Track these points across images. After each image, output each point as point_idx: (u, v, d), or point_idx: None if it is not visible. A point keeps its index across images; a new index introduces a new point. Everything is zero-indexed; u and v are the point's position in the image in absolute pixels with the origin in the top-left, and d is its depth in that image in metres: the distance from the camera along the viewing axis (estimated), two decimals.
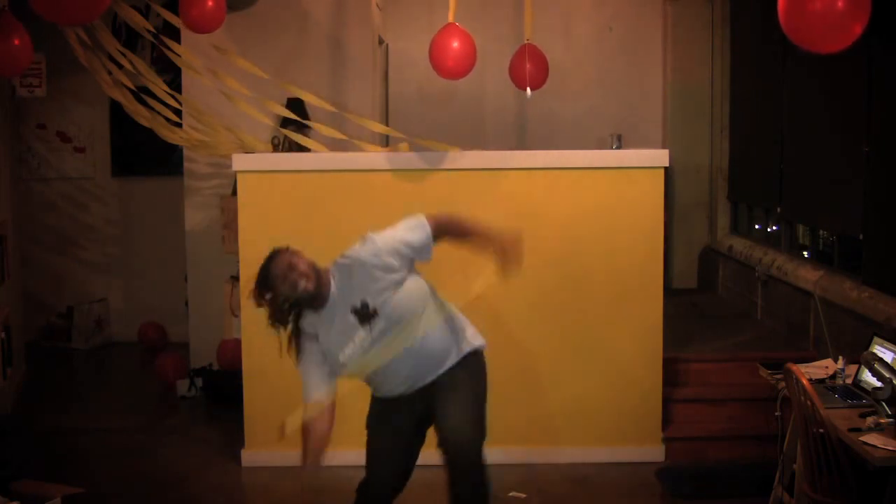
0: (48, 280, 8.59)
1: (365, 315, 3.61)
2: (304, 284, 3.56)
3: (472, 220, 3.77)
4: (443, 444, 3.65)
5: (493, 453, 5.40)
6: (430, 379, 3.70)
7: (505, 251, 3.61)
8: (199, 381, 6.85)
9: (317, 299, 3.62)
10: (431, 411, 3.72)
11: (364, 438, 3.87)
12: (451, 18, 5.23)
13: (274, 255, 3.65)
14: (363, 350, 3.62)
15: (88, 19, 4.16)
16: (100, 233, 8.74)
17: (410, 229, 3.72)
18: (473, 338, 3.85)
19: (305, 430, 3.61)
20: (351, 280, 3.64)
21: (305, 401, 3.65)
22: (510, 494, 4.99)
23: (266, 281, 3.62)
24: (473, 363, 3.81)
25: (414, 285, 3.72)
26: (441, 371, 3.71)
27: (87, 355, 8.33)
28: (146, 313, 8.47)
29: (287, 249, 3.66)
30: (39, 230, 8.58)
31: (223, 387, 6.49)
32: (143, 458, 5.65)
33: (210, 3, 5.40)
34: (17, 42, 4.50)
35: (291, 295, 3.58)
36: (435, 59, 5.21)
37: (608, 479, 5.23)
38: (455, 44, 5.16)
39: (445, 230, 3.76)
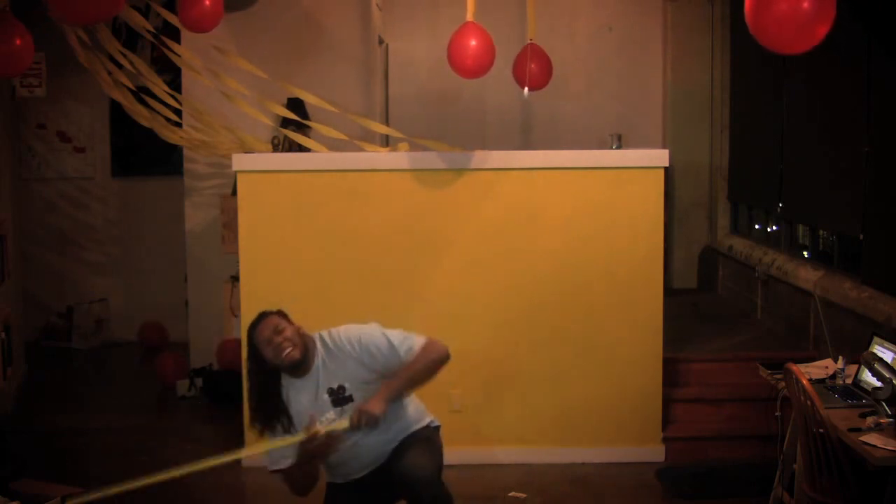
0: (48, 280, 8.59)
1: (339, 399, 3.60)
2: (290, 352, 3.54)
3: (421, 367, 3.63)
4: (403, 485, 3.58)
5: (493, 453, 5.43)
6: (388, 453, 3.69)
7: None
8: (198, 381, 6.85)
9: (300, 368, 3.60)
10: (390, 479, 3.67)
11: None
12: (469, 17, 5.21)
13: (260, 318, 3.63)
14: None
15: (104, 18, 4.18)
16: (100, 233, 8.75)
17: (396, 343, 3.63)
18: (427, 415, 3.86)
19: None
20: (334, 361, 3.62)
21: (271, 467, 3.65)
22: (510, 494, 4.99)
23: (251, 344, 3.60)
24: (427, 433, 3.79)
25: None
26: (397, 443, 3.70)
27: (87, 355, 8.34)
28: (146, 313, 8.47)
29: (277, 312, 3.64)
30: (39, 230, 8.59)
31: (223, 387, 6.49)
32: (143, 458, 5.65)
33: (208, 3, 5.38)
34: (18, 42, 4.50)
35: (274, 361, 3.56)
36: (454, 59, 5.18)
37: (608, 479, 5.23)
38: (473, 42, 5.14)
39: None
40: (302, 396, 3.63)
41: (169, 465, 5.47)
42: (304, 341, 3.60)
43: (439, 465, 3.71)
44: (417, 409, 3.84)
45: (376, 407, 3.48)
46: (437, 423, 3.88)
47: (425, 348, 3.63)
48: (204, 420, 6.45)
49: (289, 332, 3.56)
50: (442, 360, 3.67)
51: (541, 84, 6.39)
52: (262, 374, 3.63)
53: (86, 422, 6.34)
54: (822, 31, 3.20)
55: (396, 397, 3.60)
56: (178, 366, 7.04)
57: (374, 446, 3.68)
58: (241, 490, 5.26)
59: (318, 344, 3.67)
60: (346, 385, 3.61)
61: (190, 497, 5.08)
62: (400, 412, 3.73)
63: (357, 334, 3.65)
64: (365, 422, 3.46)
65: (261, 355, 3.60)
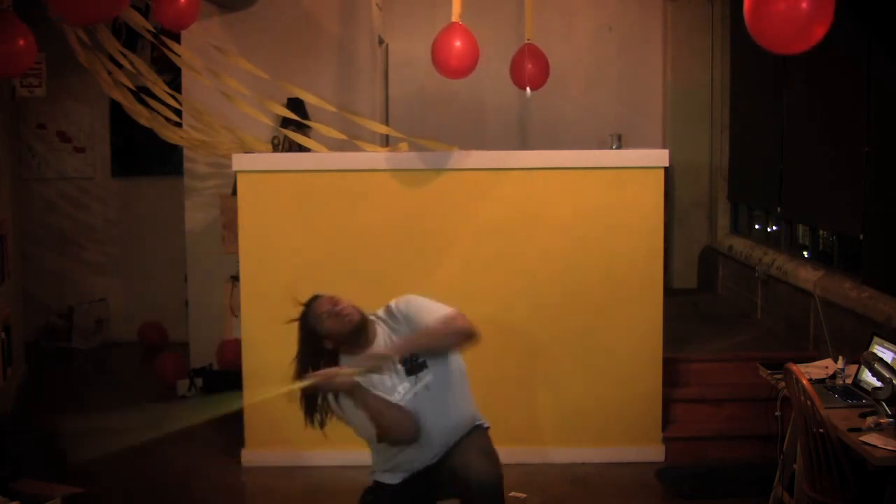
0: (48, 280, 8.59)
1: (414, 366, 3.61)
2: (351, 315, 3.58)
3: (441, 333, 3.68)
4: (468, 490, 3.50)
5: None
6: (449, 447, 3.65)
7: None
8: (198, 381, 6.84)
9: (360, 339, 3.62)
10: (441, 483, 3.64)
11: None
12: (454, 18, 5.21)
13: (314, 298, 3.69)
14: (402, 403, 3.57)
15: (105, 18, 4.17)
16: (100, 233, 8.74)
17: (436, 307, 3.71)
18: (481, 416, 3.86)
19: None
20: (397, 332, 3.66)
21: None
22: (510, 494, 4.99)
23: (308, 324, 3.63)
24: (486, 435, 3.79)
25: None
26: (458, 438, 3.68)
27: (87, 355, 8.33)
28: (146, 313, 8.47)
29: (325, 294, 3.69)
30: (39, 230, 8.58)
31: (223, 387, 6.48)
32: (143, 458, 5.64)
33: (182, 1, 5.34)
34: (22, 43, 4.50)
35: (339, 330, 3.57)
36: (438, 59, 5.20)
37: (608, 479, 5.23)
38: (458, 43, 5.15)
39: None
40: (370, 377, 3.60)
41: (169, 465, 5.53)
42: (360, 310, 3.65)
43: (502, 475, 3.63)
44: (474, 404, 3.83)
45: (389, 349, 3.55)
46: (488, 424, 3.86)
47: (453, 317, 3.67)
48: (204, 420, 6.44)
49: (346, 303, 3.62)
50: (463, 333, 3.67)
51: (538, 84, 6.39)
52: (317, 357, 3.62)
53: (86, 422, 6.32)
54: (820, 31, 3.21)
55: (412, 350, 3.60)
56: (178, 366, 7.04)
57: (441, 431, 3.61)
58: (241, 490, 5.27)
59: (377, 319, 3.72)
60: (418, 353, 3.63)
61: (190, 497, 5.09)
62: (460, 396, 3.71)
63: (406, 300, 3.73)
64: (375, 364, 3.50)
65: (318, 335, 3.61)
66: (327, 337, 3.62)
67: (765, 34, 3.29)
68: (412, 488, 3.69)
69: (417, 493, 3.69)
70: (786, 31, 3.24)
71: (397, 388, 3.59)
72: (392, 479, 3.71)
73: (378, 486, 3.76)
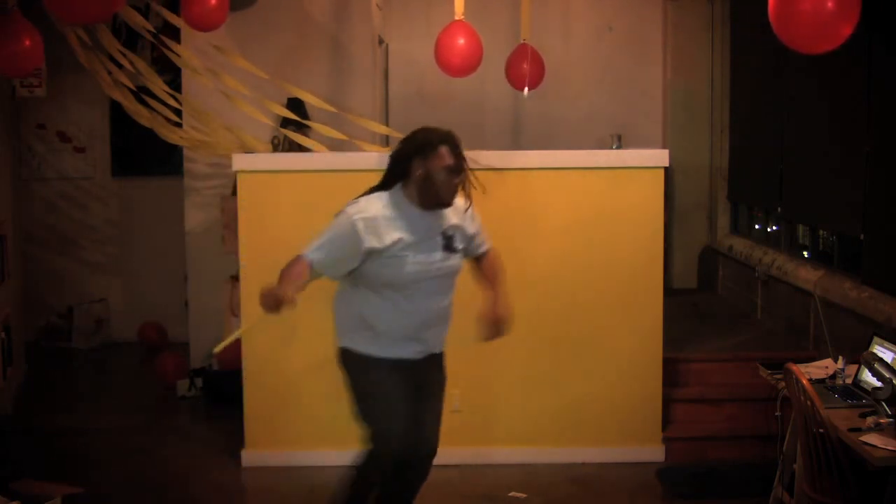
0: (48, 280, 8.59)
1: (449, 246, 3.77)
2: (452, 197, 3.73)
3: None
4: (413, 447, 3.78)
5: (494, 453, 5.43)
6: (431, 350, 3.83)
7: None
8: (198, 381, 6.85)
9: (442, 202, 3.74)
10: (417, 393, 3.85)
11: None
12: (457, 16, 5.20)
13: (449, 137, 3.83)
14: (426, 267, 3.69)
15: (104, 18, 4.18)
16: (100, 233, 8.74)
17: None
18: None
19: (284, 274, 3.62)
20: (458, 216, 3.82)
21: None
22: (510, 494, 4.99)
23: (421, 151, 3.74)
24: (444, 367, 3.99)
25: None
26: (437, 350, 3.88)
27: (87, 355, 8.34)
28: (146, 313, 8.47)
29: (455, 141, 3.82)
30: (39, 230, 8.58)
31: (223, 387, 6.49)
32: (143, 458, 5.65)
33: (213, 1, 5.36)
34: (28, 43, 4.50)
35: (437, 189, 3.69)
36: (441, 57, 5.18)
37: (608, 479, 5.23)
38: (461, 41, 5.13)
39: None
40: (421, 222, 3.72)
41: (169, 465, 5.53)
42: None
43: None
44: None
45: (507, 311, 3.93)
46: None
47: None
48: (204, 420, 6.45)
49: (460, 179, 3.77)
50: None
51: (533, 84, 6.39)
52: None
53: (86, 422, 6.34)
54: (846, 30, 3.18)
55: None
56: (178, 366, 7.04)
57: (430, 317, 3.79)
58: (242, 490, 5.27)
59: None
60: (457, 236, 3.80)
61: (190, 497, 5.09)
62: (450, 305, 3.90)
63: (476, 216, 3.95)
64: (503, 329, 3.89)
65: (418, 165, 3.72)
66: (429, 183, 3.70)
67: (789, 33, 3.26)
68: (408, 372, 3.79)
69: (410, 379, 3.80)
70: (812, 31, 3.21)
71: (431, 253, 3.72)
72: (388, 350, 3.76)
73: (370, 364, 3.77)
